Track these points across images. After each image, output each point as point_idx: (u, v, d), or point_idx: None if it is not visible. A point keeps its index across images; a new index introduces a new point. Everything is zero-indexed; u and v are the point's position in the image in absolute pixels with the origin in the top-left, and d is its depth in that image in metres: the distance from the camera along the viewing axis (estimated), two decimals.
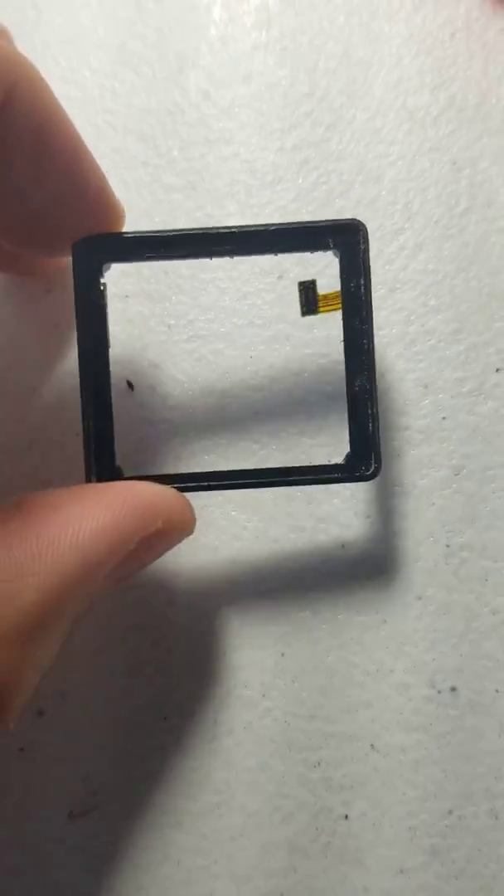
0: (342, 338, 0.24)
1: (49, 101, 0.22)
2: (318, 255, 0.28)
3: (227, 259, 0.29)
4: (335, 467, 0.24)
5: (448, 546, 0.27)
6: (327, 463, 0.26)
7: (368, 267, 0.24)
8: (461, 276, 0.28)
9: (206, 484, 0.24)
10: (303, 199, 0.29)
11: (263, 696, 0.26)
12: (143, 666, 0.26)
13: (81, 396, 0.24)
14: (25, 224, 0.24)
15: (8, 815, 0.26)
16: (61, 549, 0.20)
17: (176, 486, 0.23)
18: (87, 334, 0.24)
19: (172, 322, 0.29)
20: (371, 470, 0.24)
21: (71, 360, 0.28)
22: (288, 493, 0.27)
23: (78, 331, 0.24)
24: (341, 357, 0.27)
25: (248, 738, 0.26)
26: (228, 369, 0.28)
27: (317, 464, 0.25)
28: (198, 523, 0.27)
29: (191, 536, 0.27)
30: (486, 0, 0.31)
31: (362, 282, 0.24)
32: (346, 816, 0.25)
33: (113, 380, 0.24)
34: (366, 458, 0.24)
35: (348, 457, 0.24)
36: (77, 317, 0.24)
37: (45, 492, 0.22)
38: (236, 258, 0.26)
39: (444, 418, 0.27)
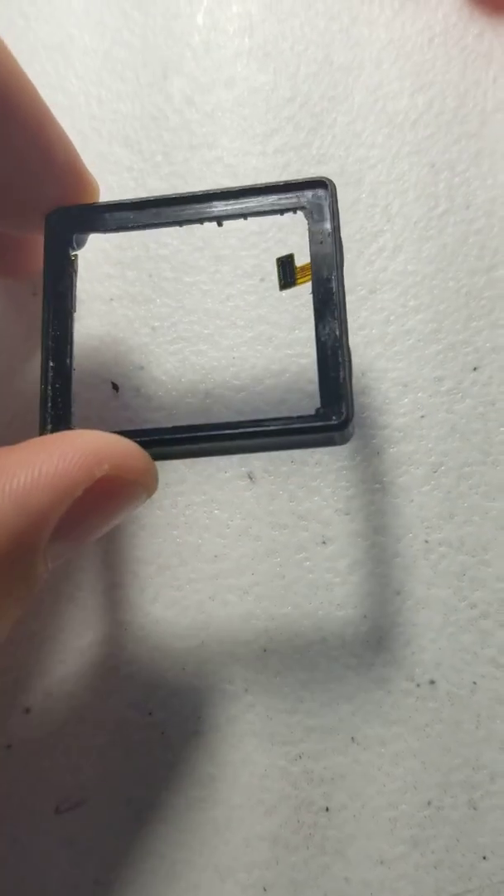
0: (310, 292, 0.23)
1: (12, 70, 0.22)
2: (304, 256, 0.29)
3: (210, 262, 0.29)
4: (303, 418, 0.22)
5: (427, 542, 0.27)
6: (295, 415, 0.23)
7: (337, 219, 0.23)
8: (440, 276, 0.29)
9: (166, 438, 0.23)
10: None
11: (246, 690, 0.27)
12: (127, 662, 0.27)
13: (42, 357, 0.24)
14: None
15: None
16: None
17: (137, 440, 0.22)
18: (52, 297, 0.24)
19: (157, 324, 0.29)
20: (343, 418, 0.22)
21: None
22: (270, 492, 0.28)
23: (44, 293, 0.24)
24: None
25: (231, 733, 0.26)
26: (211, 370, 0.29)
27: (284, 416, 0.23)
28: (182, 522, 0.27)
29: (175, 533, 0.27)
30: (465, 3, 0.31)
31: (330, 236, 0.23)
32: (327, 809, 0.26)
33: (98, 381, 0.25)
34: (336, 407, 0.22)
35: (318, 409, 0.22)
36: (45, 280, 0.24)
37: None
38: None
39: (422, 416, 0.28)
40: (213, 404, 0.28)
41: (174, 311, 0.29)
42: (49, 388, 0.23)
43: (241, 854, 0.26)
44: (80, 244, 0.25)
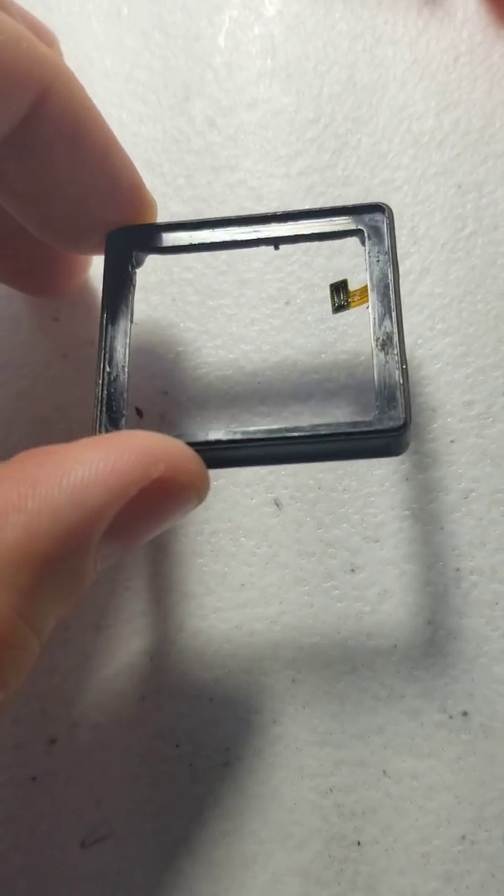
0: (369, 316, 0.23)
1: (83, 100, 0.23)
2: (325, 278, 0.29)
3: (234, 286, 0.29)
4: (359, 423, 0.22)
5: (458, 570, 0.27)
6: (352, 420, 0.24)
7: (394, 243, 0.24)
8: (468, 299, 0.28)
9: (221, 442, 0.23)
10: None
11: (274, 721, 0.26)
12: (153, 693, 0.26)
13: (99, 361, 0.24)
14: (60, 216, 0.25)
15: (21, 843, 0.26)
16: (53, 489, 0.19)
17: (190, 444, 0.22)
18: (111, 306, 0.25)
19: (181, 349, 0.29)
20: (400, 422, 0.22)
21: (79, 390, 0.28)
22: (297, 519, 0.27)
23: (103, 303, 0.25)
24: (348, 382, 0.27)
25: (259, 765, 0.26)
26: (236, 396, 0.28)
27: (339, 421, 0.24)
28: (207, 550, 0.27)
29: (200, 561, 0.27)
30: (490, 22, 0.31)
31: (388, 258, 0.24)
32: (359, 843, 0.25)
33: (122, 408, 0.24)
34: (393, 412, 0.22)
35: (374, 415, 0.22)
36: (104, 293, 0.25)
37: (46, 446, 0.21)
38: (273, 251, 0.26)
39: (452, 442, 0.27)
40: (238, 430, 0.28)
41: (198, 335, 0.29)
42: (104, 391, 0.24)
43: (270, 890, 0.25)
44: (139, 263, 0.25)
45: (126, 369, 0.24)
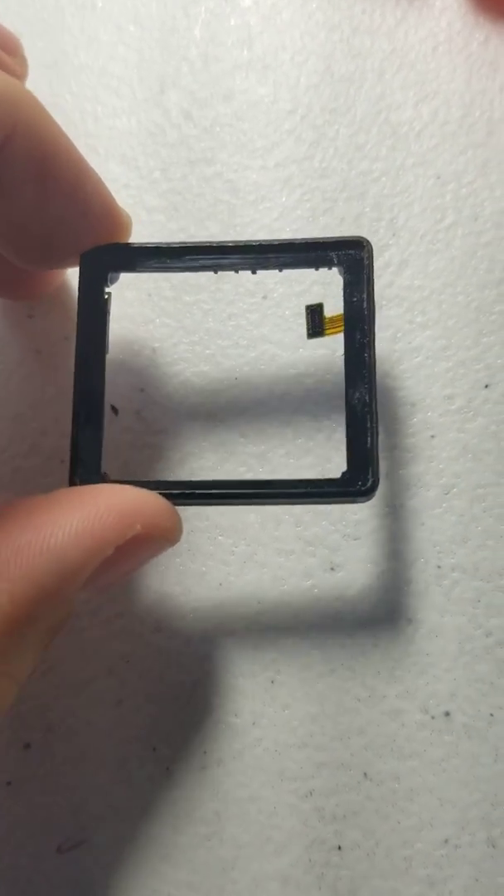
0: (342, 352, 0.24)
1: (51, 134, 0.23)
2: (304, 273, 0.28)
3: (211, 279, 0.28)
4: (331, 482, 0.23)
5: (439, 567, 0.26)
6: (322, 478, 0.25)
7: (372, 282, 0.24)
8: (448, 291, 0.28)
9: (195, 493, 0.23)
10: (286, 217, 0.29)
11: (253, 724, 0.26)
12: (130, 696, 0.26)
13: (73, 400, 0.24)
14: (31, 245, 0.24)
15: None
16: (33, 555, 0.20)
17: (161, 492, 0.23)
18: (86, 339, 0.24)
19: (157, 345, 0.28)
20: (369, 484, 0.23)
21: (53, 388, 0.28)
22: (275, 516, 0.27)
23: (77, 335, 0.24)
24: (326, 377, 0.27)
25: (237, 768, 0.25)
26: (214, 391, 0.28)
27: (311, 478, 0.24)
28: (184, 549, 0.26)
29: (177, 561, 0.27)
30: (469, 10, 0.31)
31: (365, 296, 0.24)
32: (340, 847, 0.25)
33: (100, 455, 0.24)
34: (363, 473, 0.23)
35: (344, 473, 0.23)
36: (78, 321, 0.24)
37: (24, 498, 0.21)
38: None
39: (432, 436, 0.27)
40: (215, 427, 0.27)
41: (174, 331, 0.28)
42: (80, 434, 0.24)
43: (249, 895, 0.25)
44: (113, 282, 0.25)
45: (102, 405, 0.24)
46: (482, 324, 0.27)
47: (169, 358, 0.28)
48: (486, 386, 0.27)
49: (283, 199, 0.29)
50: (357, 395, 0.23)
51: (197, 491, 0.23)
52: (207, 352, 0.28)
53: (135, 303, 0.29)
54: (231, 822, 0.25)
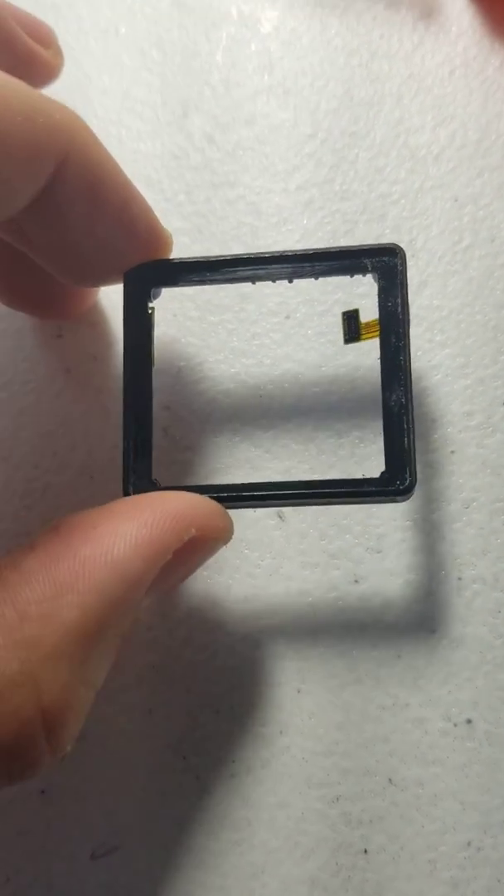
0: (379, 356, 0.24)
1: (101, 160, 0.24)
2: (325, 293, 0.29)
3: (235, 300, 0.29)
4: (370, 481, 0.24)
5: (460, 579, 0.27)
6: (361, 477, 0.25)
7: (406, 287, 0.24)
8: (466, 310, 0.29)
9: (242, 494, 0.24)
10: (308, 240, 0.30)
11: (280, 733, 0.26)
12: (160, 706, 0.27)
13: (123, 412, 0.25)
14: (79, 263, 0.25)
15: (31, 856, 0.26)
16: (99, 567, 0.20)
17: (211, 496, 0.24)
18: (133, 352, 0.25)
19: (182, 364, 0.29)
20: (407, 483, 0.23)
21: (83, 405, 0.29)
22: (300, 530, 0.28)
23: (125, 348, 0.25)
24: (350, 395, 0.28)
25: (266, 776, 0.26)
26: (238, 409, 0.28)
27: (352, 478, 0.25)
28: (212, 563, 0.27)
29: (205, 574, 0.27)
30: (485, 35, 0.31)
31: (399, 301, 0.24)
32: (366, 851, 0.26)
33: (150, 464, 0.25)
34: (401, 473, 0.24)
35: (383, 473, 0.24)
36: (125, 336, 0.25)
37: (82, 512, 0.22)
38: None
39: (452, 452, 0.28)
40: (240, 443, 0.28)
41: (199, 350, 0.29)
42: (131, 443, 0.25)
43: None
44: (156, 297, 0.26)
45: (151, 416, 0.25)
46: (500, 342, 0.28)
47: (194, 376, 0.29)
48: None
49: (305, 221, 0.30)
50: (394, 397, 0.24)
51: (243, 493, 0.24)
52: (232, 370, 0.29)
53: (161, 323, 0.29)
54: (261, 828, 0.26)
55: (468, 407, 0.28)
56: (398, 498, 0.24)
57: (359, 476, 0.27)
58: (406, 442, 0.24)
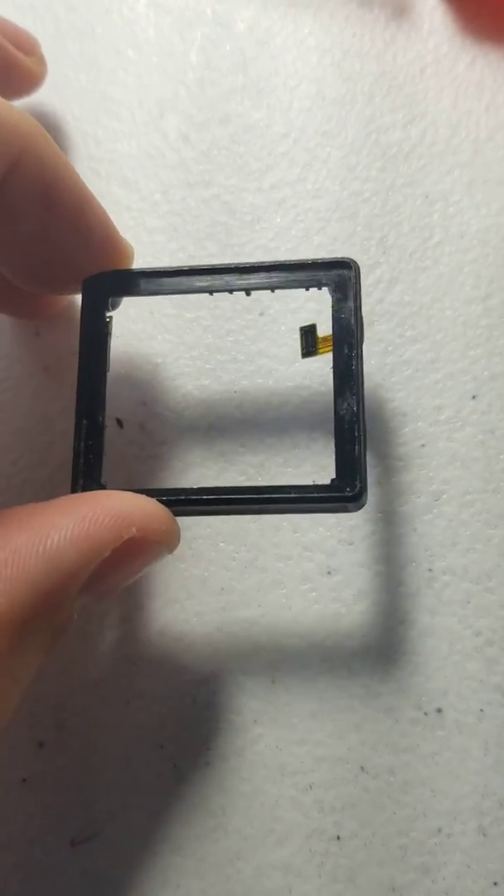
0: (332, 365, 0.25)
1: (56, 163, 0.24)
2: (298, 291, 0.29)
3: (209, 298, 0.30)
4: (319, 487, 0.24)
5: (430, 570, 0.27)
6: (311, 484, 0.25)
7: (359, 300, 0.25)
8: (436, 306, 0.29)
9: (191, 499, 0.24)
10: (281, 238, 0.30)
11: (255, 721, 0.27)
12: (138, 696, 0.27)
13: (76, 415, 0.25)
14: (35, 269, 0.25)
15: (13, 842, 0.27)
16: (31, 556, 0.20)
17: (159, 499, 0.24)
18: (87, 359, 0.26)
19: (159, 360, 0.30)
20: (357, 490, 0.23)
21: (61, 402, 0.29)
22: (274, 523, 0.28)
23: (80, 355, 0.26)
24: (321, 389, 0.28)
25: (241, 764, 0.27)
26: (214, 404, 0.29)
27: (302, 484, 0.25)
28: (188, 555, 0.28)
29: (181, 567, 0.28)
30: (456, 32, 0.32)
31: (352, 313, 0.25)
32: (338, 837, 0.26)
33: (101, 463, 0.25)
34: (350, 480, 0.24)
35: (333, 480, 0.24)
36: (81, 343, 0.26)
37: (23, 505, 0.22)
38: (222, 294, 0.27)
39: (422, 445, 0.28)
40: (216, 438, 0.29)
41: (175, 346, 0.30)
42: (82, 444, 0.25)
43: (254, 883, 0.26)
44: (115, 306, 0.26)
45: (103, 420, 0.25)
46: (469, 337, 0.29)
47: (170, 372, 0.29)
48: (474, 397, 0.28)
49: (279, 219, 0.30)
50: (345, 405, 0.24)
51: (191, 497, 0.24)
52: (207, 366, 0.29)
53: (137, 320, 0.30)
54: (236, 815, 0.27)
55: (438, 401, 0.28)
56: (349, 506, 0.24)
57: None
58: (356, 450, 0.24)
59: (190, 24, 0.33)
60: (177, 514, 0.24)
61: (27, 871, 0.27)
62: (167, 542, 0.23)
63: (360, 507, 0.24)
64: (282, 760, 0.27)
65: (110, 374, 0.26)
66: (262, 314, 0.29)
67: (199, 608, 0.28)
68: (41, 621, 0.20)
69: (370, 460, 0.28)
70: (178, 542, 0.24)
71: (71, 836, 0.27)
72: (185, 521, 0.28)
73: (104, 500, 0.22)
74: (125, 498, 0.22)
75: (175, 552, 0.28)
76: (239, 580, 0.28)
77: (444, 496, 0.28)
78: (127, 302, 0.29)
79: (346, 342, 0.25)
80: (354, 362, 0.24)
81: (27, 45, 0.29)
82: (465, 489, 0.28)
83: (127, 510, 0.22)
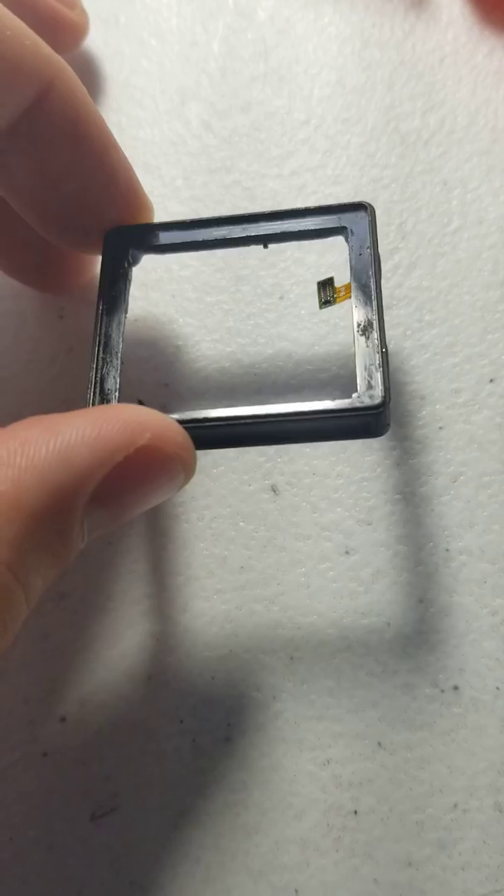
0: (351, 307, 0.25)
1: (84, 99, 0.24)
2: (318, 273, 0.30)
3: (230, 282, 0.30)
4: (344, 402, 0.23)
5: (447, 550, 0.28)
6: (332, 403, 0.24)
7: (375, 233, 0.25)
8: (454, 291, 0.30)
9: (209, 419, 0.24)
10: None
11: (274, 698, 0.27)
12: (159, 672, 0.28)
13: (93, 342, 0.25)
14: (61, 213, 0.26)
15: (34, 816, 0.27)
16: (39, 449, 0.19)
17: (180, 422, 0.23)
18: (107, 299, 0.26)
19: (180, 343, 0.30)
20: (378, 401, 0.23)
21: (84, 384, 0.30)
22: (293, 504, 0.28)
23: (99, 295, 0.26)
24: (341, 372, 0.29)
25: (259, 739, 0.27)
26: (234, 387, 0.29)
27: (322, 405, 0.24)
28: (209, 535, 0.28)
29: (202, 546, 0.28)
30: (475, 23, 0.32)
31: (369, 243, 0.25)
32: (356, 812, 0.26)
33: (124, 399, 0.26)
34: (373, 390, 0.23)
35: (356, 395, 0.23)
36: (100, 284, 0.26)
37: (40, 415, 0.21)
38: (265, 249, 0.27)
39: (440, 428, 0.29)
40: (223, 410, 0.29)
41: (197, 330, 0.30)
42: (97, 373, 0.25)
43: (272, 857, 0.26)
44: (136, 260, 0.27)
45: (119, 355, 0.25)
46: (487, 322, 0.29)
47: (192, 355, 0.30)
48: (491, 380, 0.29)
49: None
50: (364, 319, 0.24)
51: (207, 420, 0.24)
52: (228, 349, 0.30)
53: (159, 303, 0.30)
54: (254, 790, 0.27)
55: (456, 384, 0.29)
56: (371, 421, 0.23)
57: (348, 452, 0.27)
58: (377, 358, 0.23)
59: (212, 14, 0.33)
60: (196, 442, 0.23)
61: (48, 845, 0.27)
62: (183, 457, 0.22)
63: (383, 428, 0.24)
64: (300, 736, 0.27)
65: (131, 356, 0.26)
66: (282, 298, 0.30)
67: (219, 586, 0.28)
68: (51, 521, 0.19)
69: (389, 441, 0.28)
70: (195, 464, 0.23)
71: (91, 810, 0.27)
72: (204, 501, 0.29)
73: (117, 409, 0.22)
74: (140, 409, 0.22)
75: (195, 532, 0.28)
76: (258, 559, 0.28)
77: (462, 478, 0.28)
78: (149, 286, 0.30)
79: (363, 271, 0.25)
80: (373, 282, 0.24)
81: (69, 1, 0.29)
82: (482, 471, 0.28)
83: (140, 418, 0.21)
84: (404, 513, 0.28)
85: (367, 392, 0.23)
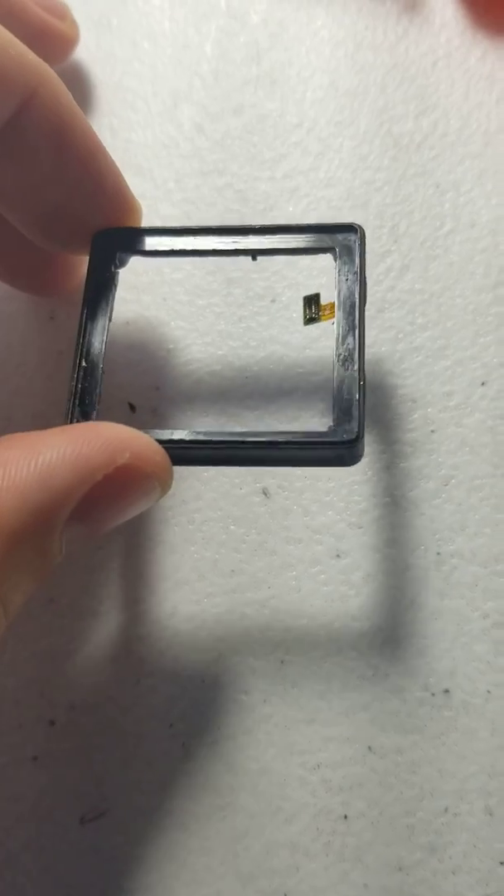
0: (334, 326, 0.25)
1: (69, 106, 0.24)
2: (310, 277, 0.30)
3: (222, 285, 0.30)
4: (315, 434, 0.24)
5: (438, 554, 0.28)
6: (309, 431, 0.25)
7: (364, 258, 0.25)
8: (447, 294, 0.29)
9: (186, 443, 0.24)
10: None
11: (264, 701, 0.27)
12: (148, 676, 0.28)
13: (75, 352, 0.25)
14: (47, 217, 0.26)
15: (24, 819, 0.27)
16: (20, 470, 0.20)
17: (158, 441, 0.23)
18: (92, 303, 0.26)
19: (171, 346, 0.30)
20: (353, 436, 0.23)
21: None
22: (284, 507, 0.28)
23: (84, 298, 0.26)
24: (332, 375, 0.28)
25: (249, 743, 0.27)
26: (225, 390, 0.29)
27: (298, 431, 0.25)
28: (199, 538, 0.28)
29: (192, 549, 0.28)
30: (468, 27, 0.32)
31: (357, 268, 0.25)
32: (346, 816, 0.26)
33: (115, 402, 0.26)
34: (347, 426, 0.23)
35: (330, 426, 0.23)
36: (86, 289, 0.26)
37: (21, 433, 0.22)
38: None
39: (432, 431, 0.29)
40: (227, 423, 0.29)
41: (188, 333, 0.30)
42: (78, 385, 0.25)
43: (261, 861, 0.26)
44: (123, 263, 0.26)
45: (101, 364, 0.25)
46: (479, 325, 0.29)
47: (183, 358, 0.30)
48: (483, 383, 0.29)
49: (291, 208, 0.31)
50: (346, 344, 0.24)
51: (185, 441, 0.24)
52: (219, 352, 0.30)
53: (151, 306, 0.30)
54: (243, 794, 0.27)
55: (448, 387, 0.29)
56: (345, 454, 0.23)
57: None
58: (355, 391, 0.23)
59: (204, 16, 0.33)
60: (172, 460, 0.23)
61: (37, 848, 0.27)
62: (160, 476, 0.23)
63: (356, 459, 0.24)
64: (290, 740, 0.27)
65: (122, 360, 0.26)
66: (273, 301, 0.30)
67: (209, 590, 0.28)
68: (31, 540, 0.20)
69: (380, 445, 0.28)
70: (171, 481, 0.23)
71: (80, 814, 0.27)
72: (195, 504, 0.29)
73: (100, 428, 0.22)
74: (120, 428, 0.22)
75: (186, 535, 0.28)
76: (249, 562, 0.28)
77: (453, 481, 0.28)
78: (140, 290, 0.30)
79: (350, 297, 0.25)
80: (357, 314, 0.24)
81: (59, 10, 0.29)
82: (473, 474, 0.28)
83: (120, 437, 0.22)
84: (395, 516, 0.28)
85: (343, 425, 0.23)
